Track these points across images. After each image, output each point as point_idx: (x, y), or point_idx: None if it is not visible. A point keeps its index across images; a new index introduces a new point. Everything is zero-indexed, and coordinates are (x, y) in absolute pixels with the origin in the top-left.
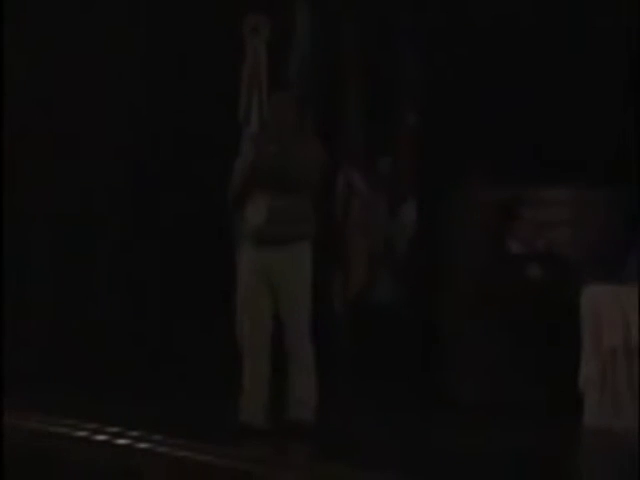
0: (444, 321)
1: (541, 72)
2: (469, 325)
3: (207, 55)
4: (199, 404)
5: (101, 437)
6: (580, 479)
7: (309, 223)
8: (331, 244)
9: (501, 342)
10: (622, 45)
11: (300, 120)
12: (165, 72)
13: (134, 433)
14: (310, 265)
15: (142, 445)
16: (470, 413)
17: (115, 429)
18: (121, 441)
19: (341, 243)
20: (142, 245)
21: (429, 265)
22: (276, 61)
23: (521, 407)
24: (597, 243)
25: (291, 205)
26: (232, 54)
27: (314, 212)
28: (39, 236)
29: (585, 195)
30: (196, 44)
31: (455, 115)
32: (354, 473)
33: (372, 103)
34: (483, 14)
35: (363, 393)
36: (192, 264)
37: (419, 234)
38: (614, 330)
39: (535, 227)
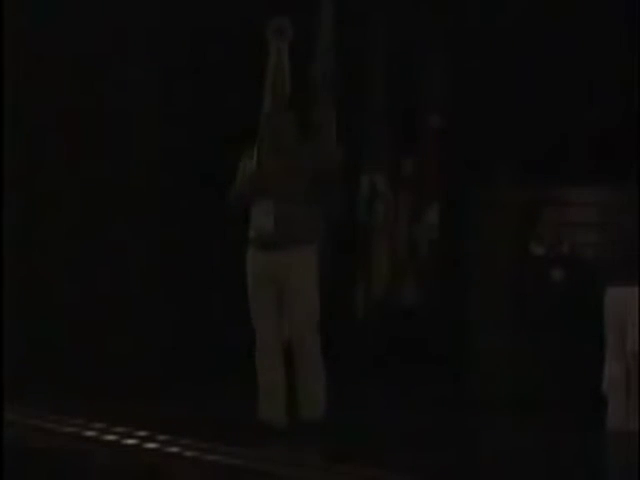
0: (468, 323)
1: (568, 73)
2: (493, 327)
3: (231, 56)
4: (217, 404)
5: (129, 441)
6: None
7: (315, 227)
8: (355, 247)
9: (525, 343)
10: None
11: (304, 123)
12: (188, 74)
13: (143, 433)
14: (316, 267)
15: (158, 446)
16: (494, 413)
17: (141, 432)
18: (135, 442)
19: (365, 246)
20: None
21: (453, 267)
22: (300, 63)
23: (544, 408)
24: (622, 245)
25: (297, 209)
26: (256, 56)
27: (331, 215)
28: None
29: (610, 196)
30: (220, 46)
31: (479, 117)
32: (375, 473)
33: (396, 105)
34: (507, 14)
35: (388, 394)
36: (213, 263)
37: (443, 236)
38: (638, 332)
39: (560, 228)
